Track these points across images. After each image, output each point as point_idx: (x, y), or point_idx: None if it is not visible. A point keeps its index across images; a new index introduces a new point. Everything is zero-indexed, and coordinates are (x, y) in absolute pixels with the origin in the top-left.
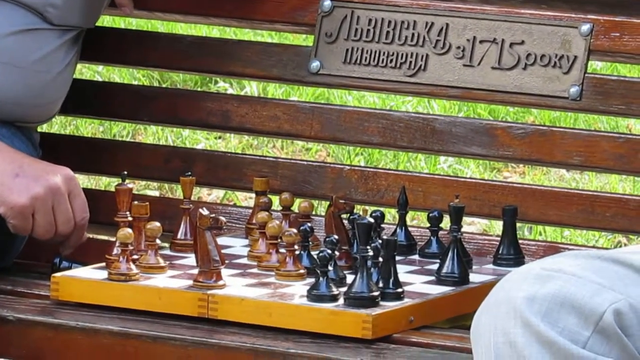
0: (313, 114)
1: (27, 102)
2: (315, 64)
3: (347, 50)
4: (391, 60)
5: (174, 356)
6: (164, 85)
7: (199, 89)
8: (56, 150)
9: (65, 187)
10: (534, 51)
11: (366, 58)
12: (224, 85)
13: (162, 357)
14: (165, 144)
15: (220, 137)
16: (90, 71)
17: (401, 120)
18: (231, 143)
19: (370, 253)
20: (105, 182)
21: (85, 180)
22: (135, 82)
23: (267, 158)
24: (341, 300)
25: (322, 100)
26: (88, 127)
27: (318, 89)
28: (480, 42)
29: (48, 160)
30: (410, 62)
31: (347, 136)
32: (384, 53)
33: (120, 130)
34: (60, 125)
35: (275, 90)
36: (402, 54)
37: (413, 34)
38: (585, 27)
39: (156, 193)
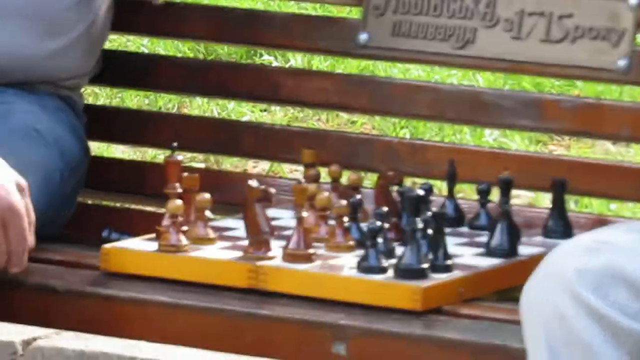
0: (361, 86)
1: (58, 58)
2: (363, 37)
3: (395, 23)
4: (439, 33)
5: (224, 327)
6: (209, 58)
7: (244, 62)
8: (103, 122)
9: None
10: (582, 24)
11: (414, 31)
12: (268, 59)
13: (212, 328)
14: (211, 117)
15: (265, 110)
16: (135, 44)
17: (450, 93)
18: (277, 116)
19: (420, 225)
20: (152, 154)
21: (131, 153)
22: (181, 55)
23: (316, 130)
24: (390, 272)
25: (368, 73)
26: (134, 100)
27: (363, 63)
28: (529, 14)
29: (95, 132)
30: (459, 35)
31: (396, 109)
32: (432, 26)
33: (166, 103)
34: (106, 97)
35: (320, 64)
36: (451, 27)
37: (461, 7)
38: (634, 0)
39: (202, 165)
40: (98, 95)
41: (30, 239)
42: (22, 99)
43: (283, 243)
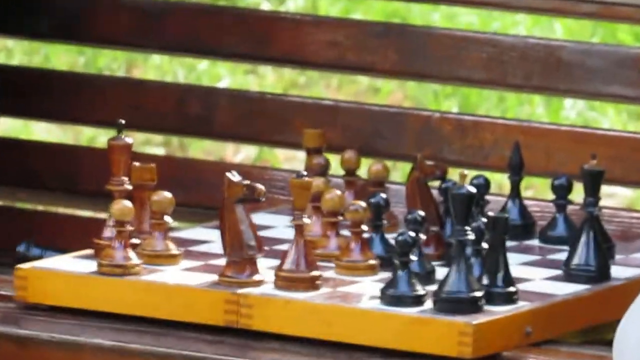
0: (388, 38)
1: None
2: None
3: None
4: None
5: None
6: None
7: (221, 4)
8: (19, 90)
9: None
10: None
11: None
12: (256, 0)
13: None
14: (174, 82)
15: (252, 72)
16: None
17: (514, 47)
18: (267, 80)
19: (471, 236)
20: (89, 136)
21: (59, 134)
22: None
23: (322, 102)
24: (429, 304)
25: (397, 20)
26: (63, 58)
27: (390, 5)
28: None
29: (9, 104)
30: None
31: (436, 70)
32: None
33: (109, 63)
34: (23, 54)
35: (329, 7)
36: None
37: None
38: None
39: (161, 151)
40: (12, 52)
41: None
42: None
43: (276, 262)
